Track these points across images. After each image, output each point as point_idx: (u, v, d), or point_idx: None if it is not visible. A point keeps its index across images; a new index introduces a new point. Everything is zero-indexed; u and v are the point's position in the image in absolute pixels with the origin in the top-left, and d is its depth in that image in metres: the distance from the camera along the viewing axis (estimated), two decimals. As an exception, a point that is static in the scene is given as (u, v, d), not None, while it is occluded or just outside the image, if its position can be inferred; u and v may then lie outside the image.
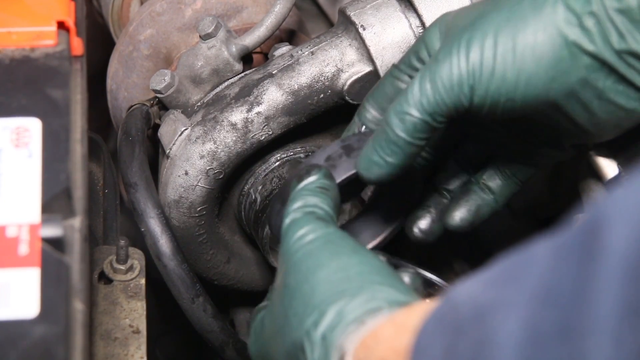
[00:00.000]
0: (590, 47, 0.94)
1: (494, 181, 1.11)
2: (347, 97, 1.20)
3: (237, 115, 1.19)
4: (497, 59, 0.94)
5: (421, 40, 1.03)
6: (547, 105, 0.97)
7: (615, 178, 1.16)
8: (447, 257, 1.45)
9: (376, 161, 0.98)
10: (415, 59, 1.03)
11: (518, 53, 0.94)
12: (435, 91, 0.96)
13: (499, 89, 0.95)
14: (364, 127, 1.06)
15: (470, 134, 1.11)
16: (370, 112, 1.06)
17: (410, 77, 1.03)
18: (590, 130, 1.01)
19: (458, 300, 0.71)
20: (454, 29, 0.99)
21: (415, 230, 1.12)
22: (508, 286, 0.67)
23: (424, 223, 1.12)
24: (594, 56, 0.94)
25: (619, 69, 0.95)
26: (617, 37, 0.93)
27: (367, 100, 1.07)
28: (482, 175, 1.12)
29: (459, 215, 1.11)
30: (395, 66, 1.05)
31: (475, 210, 1.11)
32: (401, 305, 0.82)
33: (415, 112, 0.96)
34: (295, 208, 0.94)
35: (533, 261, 0.67)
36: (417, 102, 0.96)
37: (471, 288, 0.71)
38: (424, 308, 0.77)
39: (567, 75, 0.95)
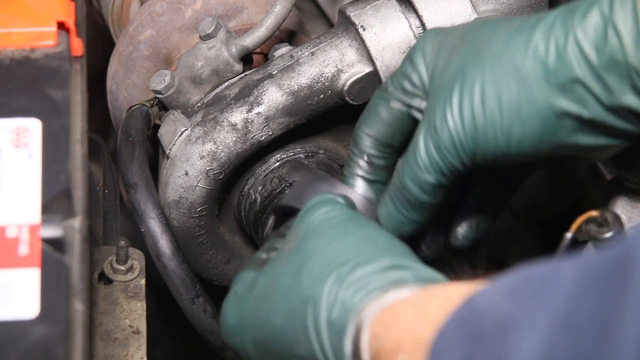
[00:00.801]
0: (575, 109, 0.92)
1: (489, 188, 1.11)
2: (347, 98, 1.20)
3: (237, 116, 1.19)
4: (487, 122, 0.94)
5: (408, 61, 1.03)
6: (545, 154, 0.96)
7: (615, 178, 1.16)
8: (447, 256, 1.45)
9: (403, 221, 1.02)
10: (407, 82, 1.02)
11: (505, 116, 0.94)
12: (441, 156, 0.97)
13: (495, 150, 0.95)
14: (365, 156, 1.06)
15: None
16: (368, 140, 1.06)
17: (401, 102, 1.03)
18: (588, 159, 1.02)
19: (479, 306, 0.71)
20: (439, 77, 0.98)
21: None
22: (530, 302, 0.68)
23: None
24: (579, 117, 0.92)
25: (608, 122, 0.92)
26: (606, 95, 0.90)
27: (362, 129, 1.06)
28: (477, 186, 1.11)
29: (460, 232, 1.11)
30: (383, 90, 1.05)
31: (476, 225, 1.11)
32: (427, 281, 0.83)
33: (429, 177, 0.98)
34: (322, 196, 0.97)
35: (558, 281, 0.67)
36: (428, 166, 0.98)
37: (493, 296, 0.71)
38: (445, 294, 0.77)
39: (556, 135, 0.93)
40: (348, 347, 0.82)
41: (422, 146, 0.98)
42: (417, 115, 1.02)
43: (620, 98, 0.90)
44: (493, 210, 1.11)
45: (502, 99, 0.93)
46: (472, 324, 0.71)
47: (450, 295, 0.76)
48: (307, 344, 0.85)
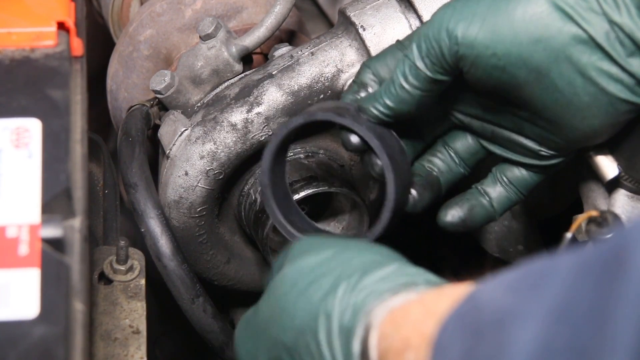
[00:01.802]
0: (577, 17, 0.96)
1: (493, 189, 1.11)
2: (347, 98, 1.20)
3: (237, 116, 1.19)
4: (491, 10, 0.98)
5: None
6: (530, 72, 0.98)
7: (615, 178, 1.16)
8: (446, 256, 1.45)
9: (379, 102, 1.02)
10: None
11: (511, 8, 0.97)
12: (431, 38, 0.99)
13: (487, 40, 0.98)
14: (362, 86, 1.06)
15: (458, 117, 1.11)
16: (370, 74, 1.07)
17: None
18: (577, 125, 1.02)
19: (481, 301, 0.72)
20: None
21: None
22: (528, 295, 0.68)
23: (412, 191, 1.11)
24: (581, 27, 0.96)
25: (604, 45, 0.96)
26: (613, 7, 0.95)
27: (367, 65, 1.08)
28: (483, 182, 1.12)
29: (451, 212, 1.11)
30: (399, 41, 1.07)
31: (469, 209, 1.10)
32: (436, 284, 0.84)
33: (419, 63, 1.00)
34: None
35: (555, 273, 0.68)
36: (416, 53, 1.00)
37: (494, 290, 0.72)
38: (454, 294, 0.78)
39: (553, 40, 0.97)
40: (356, 348, 0.82)
41: (420, 33, 1.00)
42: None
43: (626, 17, 0.95)
44: (455, 153, 1.12)
45: None
46: (473, 319, 0.71)
47: (458, 294, 0.76)
48: (319, 355, 0.85)
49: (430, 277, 0.85)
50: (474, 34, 0.98)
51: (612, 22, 0.95)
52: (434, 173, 1.12)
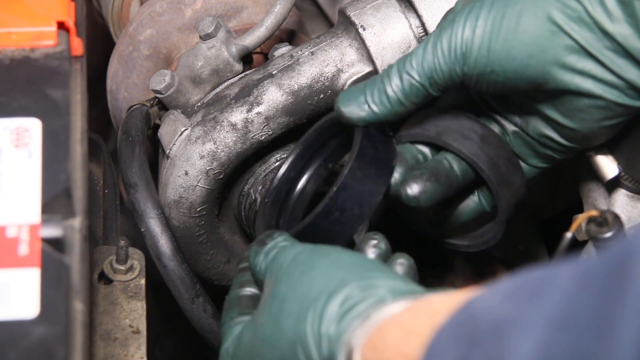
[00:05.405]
0: (568, 27, 0.96)
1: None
2: (347, 98, 1.20)
3: (237, 116, 1.19)
4: (487, 30, 0.98)
5: None
6: (529, 83, 0.99)
7: (615, 178, 1.16)
8: (447, 256, 1.45)
9: (360, 102, 1.02)
10: None
11: (504, 26, 0.98)
12: (434, 56, 1.00)
13: (484, 59, 0.99)
14: None
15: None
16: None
17: None
18: (576, 127, 1.02)
19: (477, 309, 0.71)
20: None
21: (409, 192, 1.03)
22: (527, 304, 0.68)
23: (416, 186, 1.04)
24: (571, 37, 0.96)
25: (596, 54, 0.96)
26: (604, 16, 0.95)
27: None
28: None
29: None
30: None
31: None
32: (403, 294, 0.83)
33: (415, 75, 1.01)
34: (280, 240, 0.97)
35: (556, 283, 0.67)
36: (419, 64, 1.00)
37: (490, 299, 0.71)
38: (430, 310, 0.77)
39: (545, 53, 0.97)
40: None
41: (421, 45, 1.01)
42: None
43: (617, 25, 0.94)
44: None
45: (505, 13, 0.97)
46: (468, 327, 0.71)
47: (435, 310, 0.76)
48: None
49: (397, 284, 0.84)
50: (475, 53, 0.99)
51: (603, 32, 0.95)
52: (444, 164, 1.05)
